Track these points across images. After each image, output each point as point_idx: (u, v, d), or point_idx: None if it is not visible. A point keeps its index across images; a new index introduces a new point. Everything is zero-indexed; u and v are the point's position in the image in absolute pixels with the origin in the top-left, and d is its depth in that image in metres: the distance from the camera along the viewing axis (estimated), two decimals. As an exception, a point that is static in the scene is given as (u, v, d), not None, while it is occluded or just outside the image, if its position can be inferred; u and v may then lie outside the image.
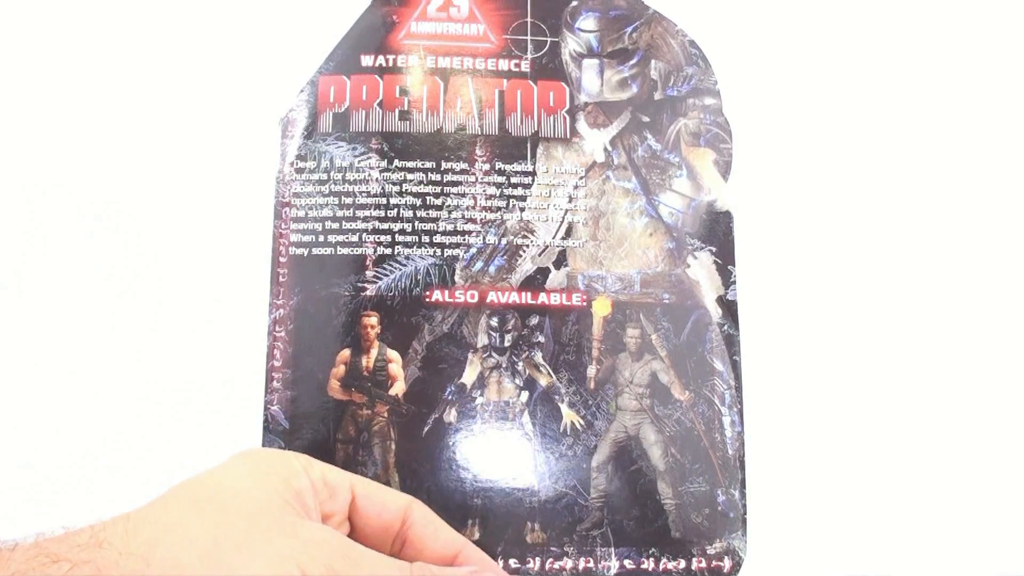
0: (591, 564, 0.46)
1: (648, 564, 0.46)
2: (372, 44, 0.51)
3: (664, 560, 0.47)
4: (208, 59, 0.52)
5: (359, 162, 0.50)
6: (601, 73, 0.52)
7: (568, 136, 0.51)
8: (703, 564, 0.47)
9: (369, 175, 0.50)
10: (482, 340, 0.48)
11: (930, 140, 0.54)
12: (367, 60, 0.51)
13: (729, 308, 0.50)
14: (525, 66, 0.52)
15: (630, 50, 0.52)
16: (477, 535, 0.46)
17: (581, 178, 0.51)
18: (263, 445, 0.47)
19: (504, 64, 0.52)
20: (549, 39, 0.52)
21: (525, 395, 0.48)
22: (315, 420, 0.47)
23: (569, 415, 0.48)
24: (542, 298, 0.49)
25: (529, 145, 0.51)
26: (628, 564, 0.46)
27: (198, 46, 0.52)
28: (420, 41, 0.51)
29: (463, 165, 0.50)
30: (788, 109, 0.54)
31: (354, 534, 0.40)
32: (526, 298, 0.49)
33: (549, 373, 0.48)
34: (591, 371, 0.49)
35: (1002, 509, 0.49)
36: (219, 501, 0.34)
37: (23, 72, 0.51)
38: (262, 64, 0.52)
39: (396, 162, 0.50)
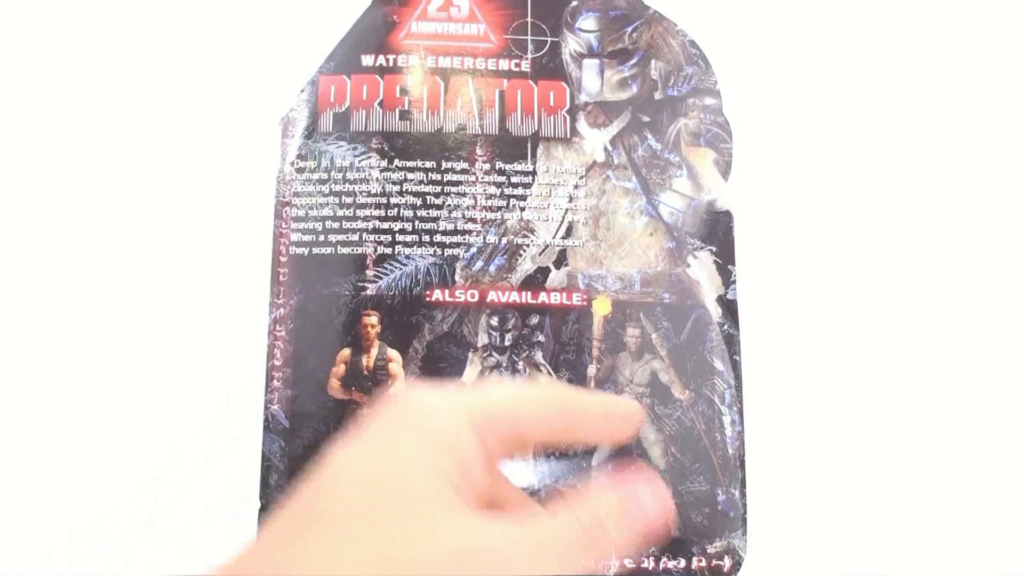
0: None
1: (648, 563, 0.46)
2: (372, 44, 0.51)
3: (664, 559, 0.47)
4: (209, 59, 0.52)
5: (359, 162, 0.50)
6: (601, 73, 0.52)
7: (568, 136, 0.51)
8: (703, 563, 0.47)
9: (369, 175, 0.50)
10: (482, 339, 0.49)
11: (930, 139, 0.54)
12: (367, 60, 0.51)
13: (729, 307, 0.50)
14: (525, 66, 0.52)
15: (630, 50, 0.53)
16: (477, 534, 0.46)
17: (581, 178, 0.51)
18: (263, 445, 0.47)
19: (504, 64, 0.52)
20: (549, 39, 0.52)
21: (525, 394, 0.48)
22: (315, 419, 0.47)
23: (569, 414, 0.48)
24: (542, 297, 0.49)
25: (529, 145, 0.51)
26: (628, 563, 0.46)
27: (199, 46, 0.52)
28: (420, 41, 0.52)
29: (463, 165, 0.50)
30: (788, 109, 0.54)
31: None
32: (526, 297, 0.49)
33: (549, 372, 0.48)
34: (591, 370, 0.49)
35: (1002, 509, 0.49)
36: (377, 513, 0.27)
37: (24, 72, 0.51)
38: (263, 64, 0.52)
39: (396, 162, 0.50)
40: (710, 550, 0.47)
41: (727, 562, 0.47)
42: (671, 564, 0.47)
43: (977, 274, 0.52)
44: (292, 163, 0.50)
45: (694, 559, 0.47)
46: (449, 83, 0.51)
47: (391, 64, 0.51)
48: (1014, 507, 0.49)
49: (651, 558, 0.47)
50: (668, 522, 0.31)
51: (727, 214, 0.51)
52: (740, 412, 0.49)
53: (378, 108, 0.50)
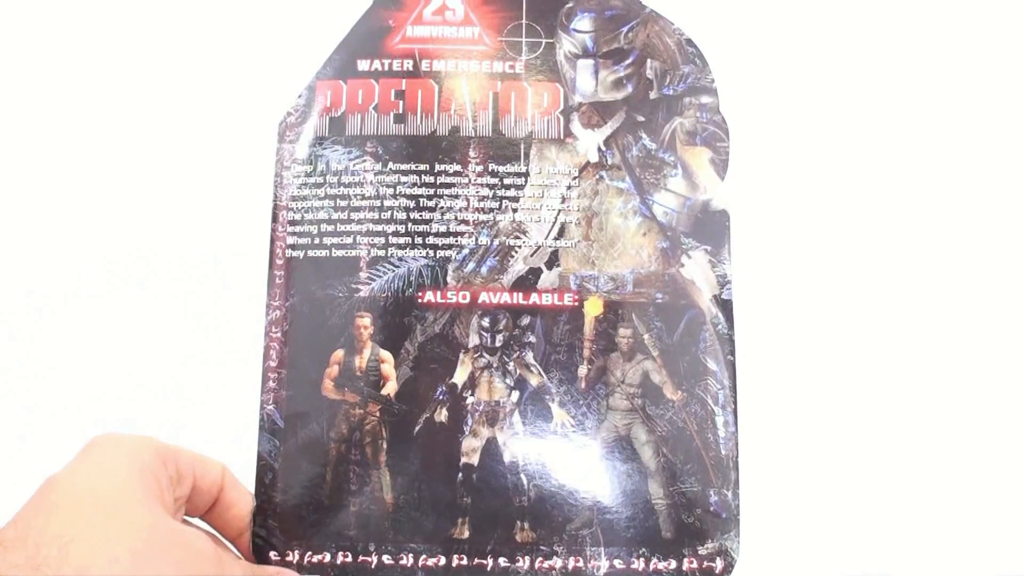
0: (580, 563, 0.46)
1: (638, 564, 0.46)
2: (368, 49, 0.52)
3: (654, 560, 0.46)
4: (207, 64, 0.53)
5: (354, 165, 0.50)
6: (596, 73, 0.52)
7: (562, 137, 0.51)
8: (694, 565, 0.46)
9: (364, 178, 0.50)
10: (473, 340, 0.49)
11: (927, 139, 0.53)
12: (363, 64, 0.52)
13: (724, 307, 0.50)
14: (519, 67, 0.52)
15: (626, 49, 0.52)
16: (467, 533, 0.46)
17: (574, 178, 0.51)
18: (258, 444, 0.47)
19: (499, 66, 0.52)
20: (544, 40, 0.52)
21: (516, 395, 0.48)
22: (309, 419, 0.48)
23: (560, 415, 0.48)
24: (534, 298, 0.49)
25: (522, 146, 0.51)
26: (618, 564, 0.46)
27: (198, 51, 0.53)
28: (416, 45, 0.52)
29: (456, 167, 0.50)
30: (786, 107, 0.53)
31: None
32: (518, 298, 0.49)
33: (540, 373, 0.49)
34: (582, 371, 0.49)
35: (1002, 509, 0.48)
36: (104, 509, 0.35)
37: (25, 74, 0.53)
38: (260, 69, 0.53)
39: (390, 164, 0.50)
40: (702, 551, 0.47)
41: (719, 564, 0.47)
42: (661, 565, 0.46)
43: (973, 274, 0.51)
44: (289, 167, 0.51)
45: (685, 560, 0.46)
46: (443, 86, 0.51)
47: (386, 68, 0.52)
48: (1012, 507, 0.48)
49: (641, 559, 0.46)
50: None
51: (723, 213, 0.51)
52: (734, 413, 0.48)
53: (373, 112, 0.51)
